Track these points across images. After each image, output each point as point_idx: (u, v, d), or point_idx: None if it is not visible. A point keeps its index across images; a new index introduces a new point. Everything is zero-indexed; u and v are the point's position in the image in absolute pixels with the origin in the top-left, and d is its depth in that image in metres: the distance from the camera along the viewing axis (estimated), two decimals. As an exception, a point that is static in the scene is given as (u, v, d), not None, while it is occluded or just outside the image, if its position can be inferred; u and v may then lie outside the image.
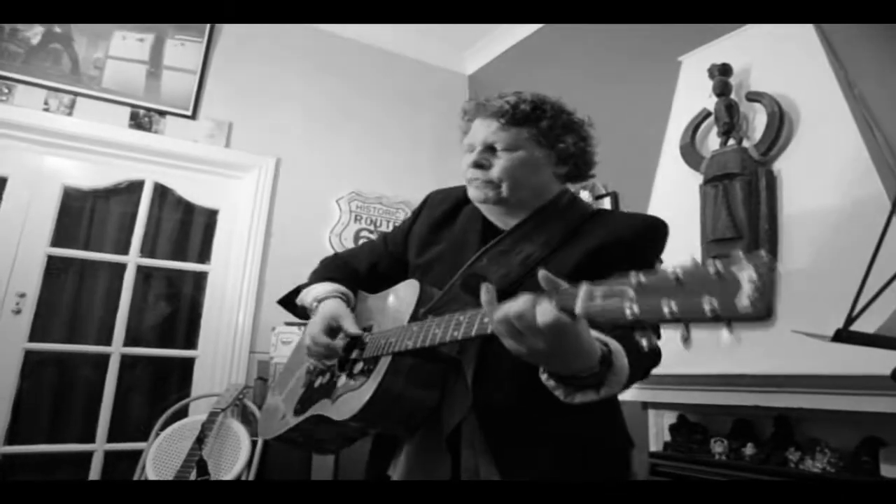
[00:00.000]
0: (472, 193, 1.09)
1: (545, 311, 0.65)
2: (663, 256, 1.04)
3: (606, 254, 0.82)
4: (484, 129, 1.07)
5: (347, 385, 1.05)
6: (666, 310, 0.52)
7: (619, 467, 1.05)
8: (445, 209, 1.21)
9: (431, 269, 1.12)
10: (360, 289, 1.25)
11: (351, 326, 1.10)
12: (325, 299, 1.16)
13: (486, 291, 0.73)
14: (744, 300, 0.47)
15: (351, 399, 1.01)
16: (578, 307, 0.62)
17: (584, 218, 1.07)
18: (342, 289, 1.20)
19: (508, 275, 1.00)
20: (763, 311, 0.47)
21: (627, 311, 0.55)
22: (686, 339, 0.52)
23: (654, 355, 0.92)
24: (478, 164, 1.06)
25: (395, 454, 1.09)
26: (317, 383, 1.18)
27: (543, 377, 0.80)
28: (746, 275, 0.48)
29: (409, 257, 1.22)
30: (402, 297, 1.10)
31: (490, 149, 1.06)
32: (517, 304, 0.68)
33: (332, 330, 1.11)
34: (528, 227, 1.06)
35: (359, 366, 1.07)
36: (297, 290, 1.25)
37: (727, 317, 0.49)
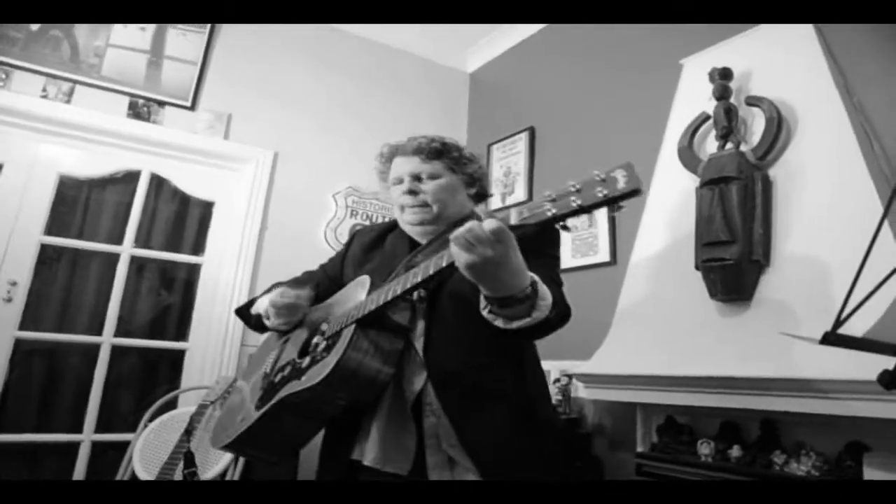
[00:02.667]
0: (409, 218, 1.30)
1: (490, 222, 0.85)
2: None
3: None
4: (408, 164, 1.30)
5: (314, 362, 1.15)
6: (574, 204, 0.78)
7: (556, 432, 1.25)
8: (374, 236, 1.42)
9: (372, 276, 1.25)
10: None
11: (303, 292, 1.29)
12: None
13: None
14: (622, 184, 0.74)
15: (320, 367, 1.10)
16: (513, 219, 0.85)
17: None
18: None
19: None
20: (634, 189, 0.73)
21: (548, 213, 0.80)
22: (617, 210, 0.78)
23: (564, 303, 1.11)
24: (411, 192, 1.28)
25: (359, 438, 1.17)
26: (278, 378, 1.23)
27: (485, 311, 0.99)
28: (620, 173, 0.75)
29: (345, 279, 1.37)
30: (355, 286, 1.25)
31: (417, 178, 1.29)
32: (467, 224, 0.87)
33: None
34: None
35: (322, 345, 1.18)
36: (251, 303, 1.40)
37: (614, 196, 0.75)
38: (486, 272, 0.88)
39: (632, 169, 0.74)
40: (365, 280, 1.22)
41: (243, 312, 1.45)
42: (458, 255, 0.88)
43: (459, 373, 1.14)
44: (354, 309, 1.14)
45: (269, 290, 1.41)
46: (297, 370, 1.18)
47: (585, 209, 0.77)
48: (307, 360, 1.18)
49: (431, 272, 0.97)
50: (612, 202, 0.75)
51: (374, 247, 1.39)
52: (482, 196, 1.39)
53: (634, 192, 0.73)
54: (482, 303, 0.98)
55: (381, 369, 1.10)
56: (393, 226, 1.40)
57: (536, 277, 0.97)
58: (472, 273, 0.89)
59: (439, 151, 1.30)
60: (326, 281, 1.43)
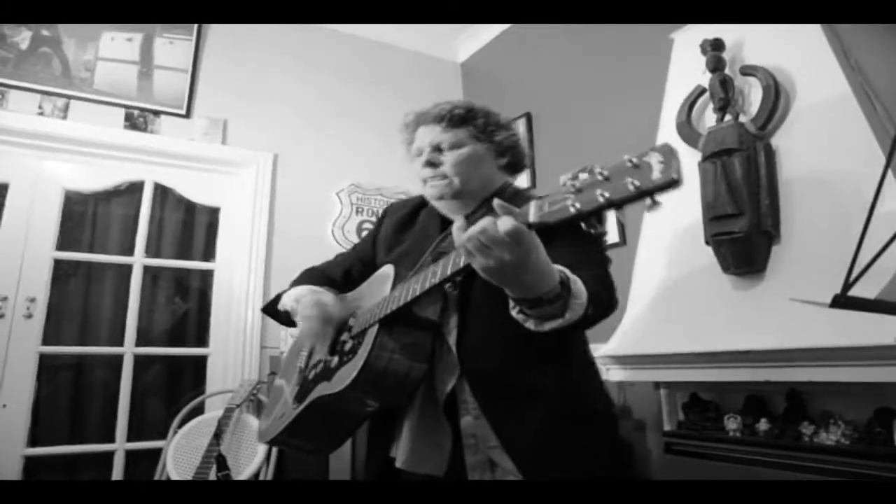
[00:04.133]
0: (429, 192, 1.21)
1: (505, 222, 0.75)
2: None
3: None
4: (429, 134, 1.21)
5: (342, 363, 1.12)
6: (601, 198, 0.64)
7: (607, 425, 1.16)
8: (405, 213, 1.34)
9: (401, 261, 1.20)
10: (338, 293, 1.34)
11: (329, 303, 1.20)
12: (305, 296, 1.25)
13: (458, 221, 0.82)
14: (656, 174, 0.60)
15: (346, 371, 1.07)
16: (532, 216, 0.73)
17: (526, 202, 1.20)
18: (318, 289, 1.28)
19: None
20: (671, 180, 0.59)
21: (571, 208, 0.68)
22: (652, 205, 0.62)
23: (607, 294, 1.01)
24: (430, 163, 1.19)
25: (395, 435, 1.13)
26: (311, 375, 1.22)
27: (514, 312, 0.90)
28: (655, 158, 0.60)
29: (377, 260, 1.32)
30: (379, 279, 1.20)
31: (437, 149, 1.19)
32: (481, 223, 0.77)
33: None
34: (480, 214, 1.10)
35: (349, 345, 1.14)
36: (278, 298, 1.33)
37: (647, 189, 0.60)
38: (505, 275, 0.80)
39: (669, 153, 0.59)
40: (389, 272, 1.16)
41: (271, 309, 1.37)
42: (471, 257, 0.79)
43: (498, 370, 1.06)
44: (377, 307, 1.09)
45: (298, 280, 1.35)
46: (327, 369, 1.16)
47: (615, 204, 0.63)
48: (336, 359, 1.16)
49: (450, 272, 0.88)
50: (645, 196, 0.61)
51: (406, 226, 1.32)
52: (516, 167, 1.27)
53: (672, 184, 0.59)
54: (511, 303, 0.90)
55: (412, 367, 1.05)
56: (425, 201, 1.30)
57: (568, 274, 0.88)
58: (490, 277, 0.81)
59: (463, 118, 1.19)
60: (359, 264, 1.38)
